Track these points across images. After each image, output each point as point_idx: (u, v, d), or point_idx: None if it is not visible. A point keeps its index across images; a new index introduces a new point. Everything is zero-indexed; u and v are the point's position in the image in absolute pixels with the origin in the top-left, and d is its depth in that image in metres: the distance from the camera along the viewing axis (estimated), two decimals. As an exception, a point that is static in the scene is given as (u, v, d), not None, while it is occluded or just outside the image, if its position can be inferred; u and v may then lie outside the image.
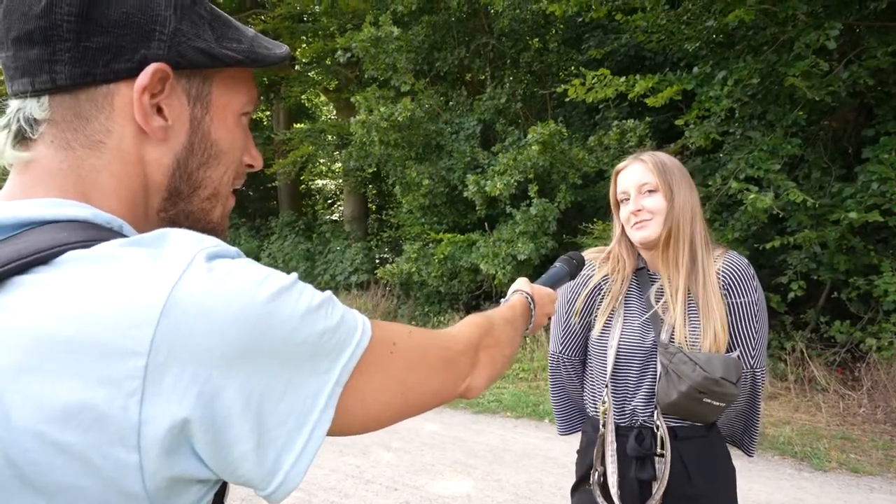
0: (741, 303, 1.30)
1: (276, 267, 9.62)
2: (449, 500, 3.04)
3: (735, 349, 1.30)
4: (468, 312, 7.00)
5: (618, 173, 1.38)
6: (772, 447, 3.63)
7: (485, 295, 6.99)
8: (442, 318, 6.89)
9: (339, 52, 6.62)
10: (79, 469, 0.37)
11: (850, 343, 4.55)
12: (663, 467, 1.25)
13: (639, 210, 1.31)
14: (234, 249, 0.45)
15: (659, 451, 1.27)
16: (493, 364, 0.71)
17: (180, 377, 0.37)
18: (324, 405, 0.43)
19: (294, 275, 0.46)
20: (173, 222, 0.55)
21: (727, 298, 1.29)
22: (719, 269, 1.31)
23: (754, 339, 1.30)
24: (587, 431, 1.44)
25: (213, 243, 0.43)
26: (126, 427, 0.37)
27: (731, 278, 1.30)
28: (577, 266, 1.19)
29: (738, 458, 1.42)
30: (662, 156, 1.35)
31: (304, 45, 9.10)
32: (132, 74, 0.47)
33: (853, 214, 3.82)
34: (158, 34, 0.48)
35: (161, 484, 0.39)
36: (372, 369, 0.49)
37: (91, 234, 0.43)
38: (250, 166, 0.61)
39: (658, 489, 1.24)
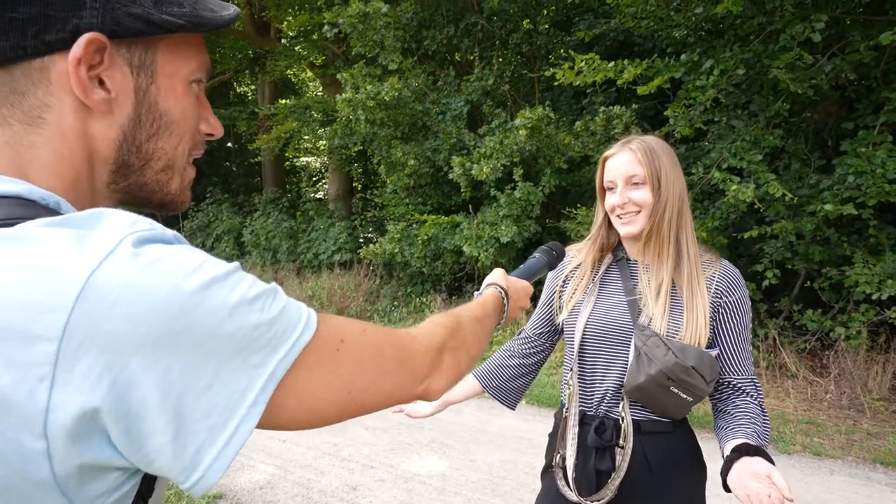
0: (738, 312, 1.26)
1: (259, 244, 9.38)
2: (424, 478, 3.09)
3: (731, 358, 1.27)
4: (451, 294, 7.03)
5: (605, 160, 1.32)
6: (740, 431, 3.73)
7: (467, 277, 7.02)
8: (424, 300, 6.92)
9: (326, 28, 6.48)
10: None
11: (820, 331, 4.67)
12: (622, 460, 1.22)
13: (625, 203, 1.27)
14: (171, 234, 0.42)
15: (621, 442, 1.24)
16: (457, 366, 0.69)
17: (94, 365, 0.36)
18: (252, 401, 0.42)
19: (234, 264, 0.43)
20: (127, 194, 0.53)
21: (723, 308, 1.25)
22: (714, 275, 1.27)
23: (746, 347, 1.28)
24: (558, 416, 1.42)
25: (146, 226, 0.41)
26: (33, 413, 0.36)
27: (727, 287, 1.26)
28: (557, 257, 1.16)
29: (707, 441, 1.41)
30: (652, 142, 1.27)
31: (291, 18, 8.90)
32: (66, 46, 0.45)
33: (829, 206, 3.89)
34: (90, 2, 0.45)
35: (71, 471, 0.38)
36: (314, 366, 0.47)
37: (19, 212, 0.42)
38: (210, 135, 0.59)
39: (613, 480, 1.22)
